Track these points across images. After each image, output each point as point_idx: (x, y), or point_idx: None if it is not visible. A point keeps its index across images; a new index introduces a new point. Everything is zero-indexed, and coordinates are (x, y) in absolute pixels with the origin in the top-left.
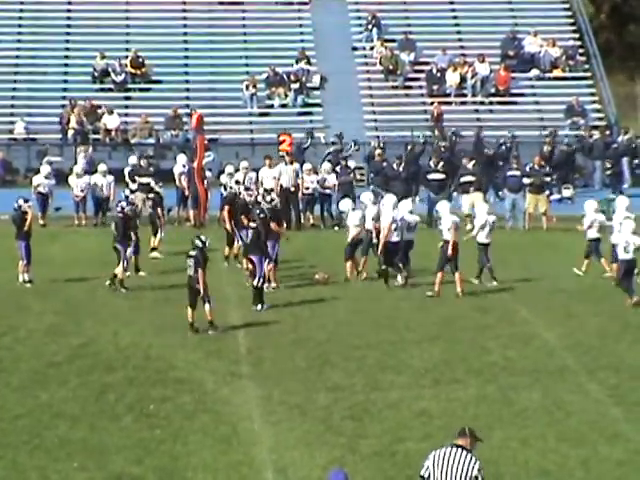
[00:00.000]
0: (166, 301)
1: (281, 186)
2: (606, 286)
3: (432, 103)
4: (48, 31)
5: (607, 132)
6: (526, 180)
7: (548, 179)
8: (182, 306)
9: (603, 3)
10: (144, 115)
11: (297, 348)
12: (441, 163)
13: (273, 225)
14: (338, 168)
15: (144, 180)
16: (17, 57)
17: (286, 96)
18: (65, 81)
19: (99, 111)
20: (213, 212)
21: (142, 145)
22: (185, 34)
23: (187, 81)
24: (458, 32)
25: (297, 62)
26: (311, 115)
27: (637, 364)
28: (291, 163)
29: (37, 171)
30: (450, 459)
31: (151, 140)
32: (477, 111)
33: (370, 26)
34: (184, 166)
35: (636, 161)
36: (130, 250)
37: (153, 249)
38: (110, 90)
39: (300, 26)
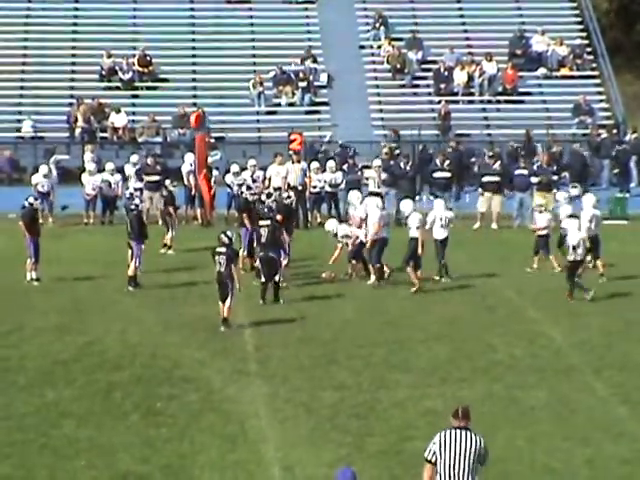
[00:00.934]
0: (173, 299)
1: (289, 184)
2: (610, 285)
3: (439, 102)
4: (55, 29)
5: (615, 131)
6: (534, 179)
7: (555, 178)
8: (189, 304)
9: (611, 2)
10: (151, 114)
11: (303, 346)
12: (447, 162)
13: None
14: (345, 166)
15: (152, 178)
16: (24, 56)
17: (293, 95)
18: (72, 79)
19: (106, 110)
20: (221, 210)
21: (149, 144)
22: (192, 32)
23: (194, 79)
24: (465, 31)
25: (304, 61)
26: (318, 114)
27: None
28: (298, 162)
29: (37, 170)
30: (457, 441)
31: (158, 139)
32: (484, 110)
33: (377, 25)
34: (191, 165)
35: None
36: (141, 247)
37: (166, 246)
38: (117, 89)
39: (307, 25)
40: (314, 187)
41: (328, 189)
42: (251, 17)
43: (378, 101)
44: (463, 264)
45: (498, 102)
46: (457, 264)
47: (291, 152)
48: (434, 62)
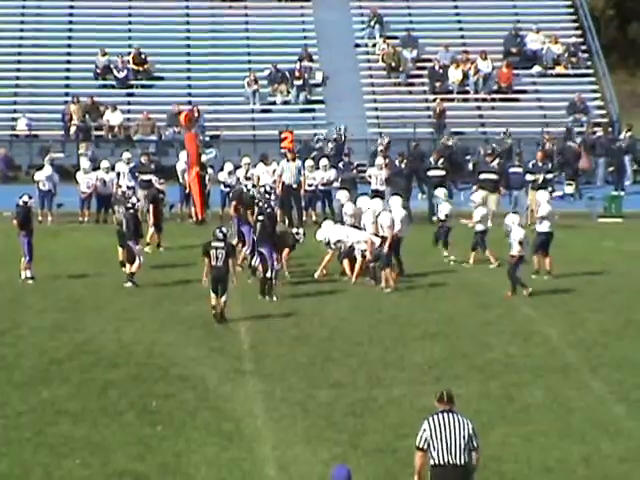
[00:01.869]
0: (168, 298)
1: (283, 183)
2: (607, 283)
3: (434, 100)
4: (50, 27)
5: (609, 129)
6: (529, 177)
7: (551, 176)
8: (184, 302)
9: (607, 0)
10: (146, 112)
11: (299, 344)
12: (441, 160)
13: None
14: (341, 164)
15: (146, 177)
16: (19, 54)
17: (288, 93)
18: (67, 77)
19: (101, 108)
20: (215, 209)
21: (144, 142)
22: (187, 30)
23: (189, 78)
24: (460, 29)
25: (299, 59)
26: (313, 112)
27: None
28: (293, 160)
29: (40, 167)
30: (446, 425)
31: (153, 137)
32: (479, 108)
33: (372, 23)
34: (186, 163)
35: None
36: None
37: (159, 246)
38: (112, 87)
39: (302, 23)
40: (309, 185)
41: (321, 187)
42: (246, 15)
43: (373, 99)
44: (458, 262)
45: (493, 100)
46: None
47: (284, 150)
48: (429, 60)
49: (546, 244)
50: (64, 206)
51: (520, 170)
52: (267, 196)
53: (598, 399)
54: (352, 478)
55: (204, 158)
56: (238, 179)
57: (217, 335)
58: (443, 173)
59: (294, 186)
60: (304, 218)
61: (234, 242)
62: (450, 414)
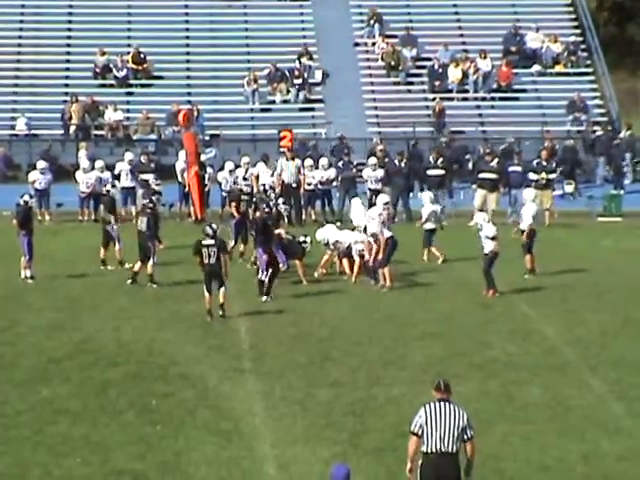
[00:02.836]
0: (167, 296)
1: (283, 182)
2: (606, 282)
3: (434, 99)
4: (50, 27)
5: (609, 128)
6: (533, 176)
7: (554, 175)
8: (184, 301)
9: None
10: (145, 111)
11: (299, 343)
12: (440, 159)
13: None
14: (340, 163)
15: (145, 177)
16: (19, 53)
17: (288, 92)
18: (67, 77)
19: (101, 107)
20: (215, 208)
21: (144, 141)
22: (187, 30)
23: (188, 77)
24: (460, 27)
25: (299, 58)
26: (313, 111)
27: (638, 360)
28: (292, 159)
29: (33, 167)
30: (442, 413)
31: (153, 136)
32: (479, 107)
33: (372, 21)
34: (185, 162)
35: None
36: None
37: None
38: (112, 86)
39: (302, 22)
40: (308, 184)
41: (320, 187)
42: (245, 14)
43: (372, 98)
44: (457, 261)
45: (492, 99)
46: (451, 261)
47: (283, 149)
48: (428, 59)
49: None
50: (64, 205)
51: (519, 169)
52: (265, 196)
53: (597, 397)
54: (351, 477)
55: (203, 157)
56: (236, 179)
57: (216, 334)
58: (442, 172)
59: (293, 185)
60: (303, 217)
61: (232, 244)
62: (446, 403)
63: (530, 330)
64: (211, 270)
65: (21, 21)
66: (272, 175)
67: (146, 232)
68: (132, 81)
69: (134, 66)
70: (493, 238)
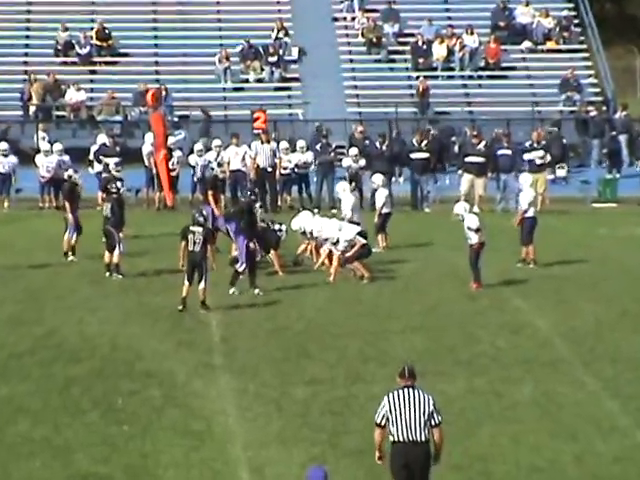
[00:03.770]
0: (134, 287)
1: (257, 166)
2: (601, 271)
3: (417, 77)
4: (8, 1)
5: (604, 108)
6: (527, 155)
7: (549, 157)
8: (151, 293)
9: None
10: (110, 91)
11: (274, 338)
12: (425, 142)
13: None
14: (318, 146)
15: (110, 160)
16: None
17: (262, 70)
18: (26, 54)
19: (63, 86)
20: (184, 194)
21: (109, 122)
22: (154, 3)
23: (156, 54)
24: (445, 1)
25: (274, 34)
26: (289, 90)
27: (635, 355)
28: (267, 142)
29: None
30: (406, 400)
31: (118, 117)
32: (465, 86)
33: None
34: (152, 145)
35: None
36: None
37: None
38: (74, 64)
39: None
40: (284, 168)
41: (297, 171)
42: None
43: (352, 77)
44: (443, 250)
45: (480, 78)
46: (437, 250)
47: (257, 131)
48: (412, 35)
49: (531, 230)
50: (23, 191)
51: (509, 152)
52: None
53: (591, 395)
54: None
55: (171, 140)
56: (208, 163)
57: (186, 327)
58: (427, 155)
59: (269, 169)
60: (279, 203)
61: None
62: (411, 389)
63: (521, 323)
64: (193, 257)
65: None
66: (243, 159)
67: (111, 218)
68: (96, 59)
69: (98, 42)
70: (477, 230)
